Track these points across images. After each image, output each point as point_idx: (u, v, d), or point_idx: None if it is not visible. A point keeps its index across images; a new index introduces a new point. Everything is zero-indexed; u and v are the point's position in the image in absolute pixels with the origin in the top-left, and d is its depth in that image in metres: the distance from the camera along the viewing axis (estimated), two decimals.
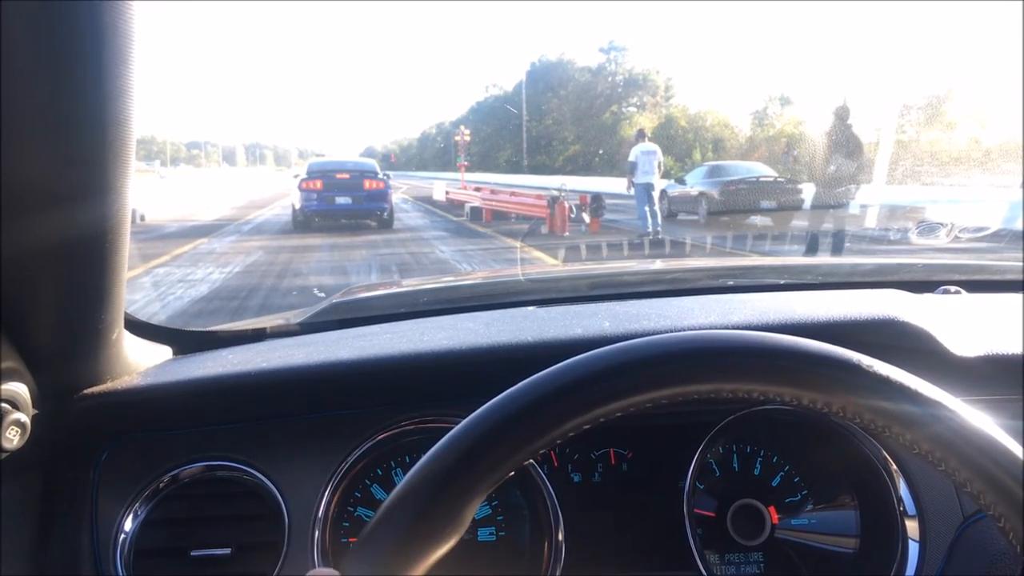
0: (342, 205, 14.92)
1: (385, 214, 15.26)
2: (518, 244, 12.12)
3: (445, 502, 0.51)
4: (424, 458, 0.53)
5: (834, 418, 0.99)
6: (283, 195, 22.88)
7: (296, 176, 15.89)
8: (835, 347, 0.54)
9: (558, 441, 0.52)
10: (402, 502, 0.51)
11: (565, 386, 0.53)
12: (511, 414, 0.53)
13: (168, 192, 29.28)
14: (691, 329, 0.58)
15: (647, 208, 12.59)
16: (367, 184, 15.13)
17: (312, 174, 15.14)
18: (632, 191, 12.93)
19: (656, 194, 12.87)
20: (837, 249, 7.39)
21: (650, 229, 12.44)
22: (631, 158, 12.94)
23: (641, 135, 13.55)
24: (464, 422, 0.53)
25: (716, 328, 1.00)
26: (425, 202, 25.12)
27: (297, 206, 15.03)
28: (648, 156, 12.83)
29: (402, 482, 0.52)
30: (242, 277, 8.87)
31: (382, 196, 15.26)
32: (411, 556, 0.50)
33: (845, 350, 0.54)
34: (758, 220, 14.62)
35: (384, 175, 15.92)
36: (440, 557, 0.51)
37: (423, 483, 0.51)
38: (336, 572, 0.49)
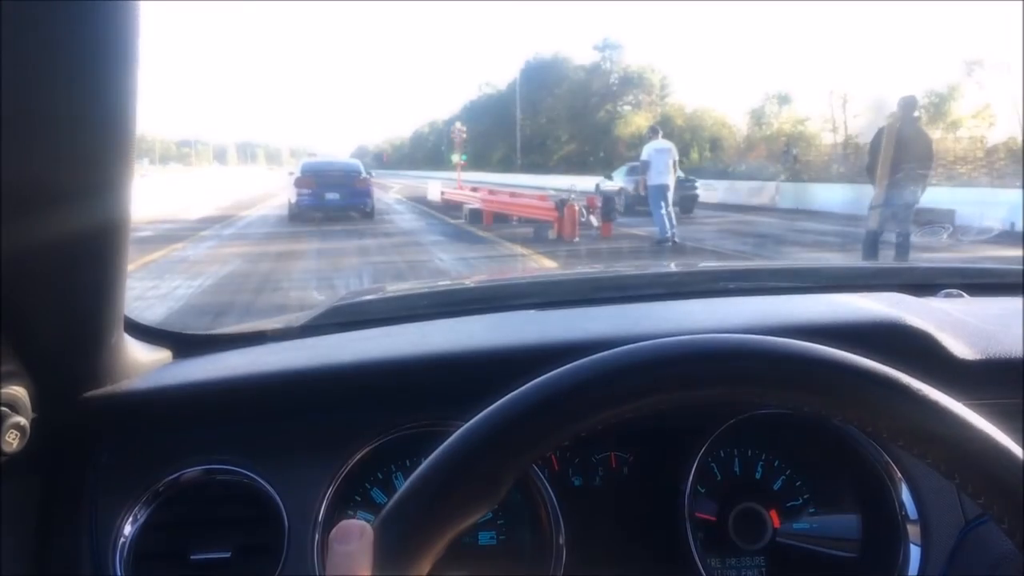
0: (331, 200, 16.96)
1: (368, 208, 17.63)
2: (524, 252, 11.76)
3: (488, 465, 0.51)
4: (475, 419, 0.53)
5: (836, 421, 0.99)
6: (272, 195, 22.64)
7: (291, 174, 18.40)
8: (836, 351, 0.54)
9: (603, 424, 0.53)
10: (445, 461, 0.52)
11: (636, 365, 0.54)
12: (573, 385, 0.53)
13: (150, 191, 28.69)
14: (693, 332, 0.58)
15: (663, 212, 12.12)
16: (353, 182, 17.51)
17: (305, 173, 17.31)
18: (644, 193, 12.42)
19: (671, 195, 12.38)
20: (902, 252, 7.30)
21: (669, 234, 12.06)
22: (644, 156, 12.37)
23: (654, 132, 12.92)
24: (519, 391, 0.54)
25: (716, 332, 1.00)
26: (420, 202, 24.90)
27: (292, 201, 17.13)
28: (662, 154, 12.23)
29: (447, 441, 0.52)
30: (213, 293, 8.02)
31: (366, 192, 17.62)
32: (445, 517, 0.50)
33: (846, 354, 0.54)
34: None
35: (368, 174, 18.36)
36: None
37: (470, 444, 0.52)
38: (367, 524, 0.49)
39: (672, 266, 1.89)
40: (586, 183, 22.48)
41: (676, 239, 12.13)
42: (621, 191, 17.78)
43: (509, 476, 0.52)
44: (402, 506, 0.51)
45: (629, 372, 0.54)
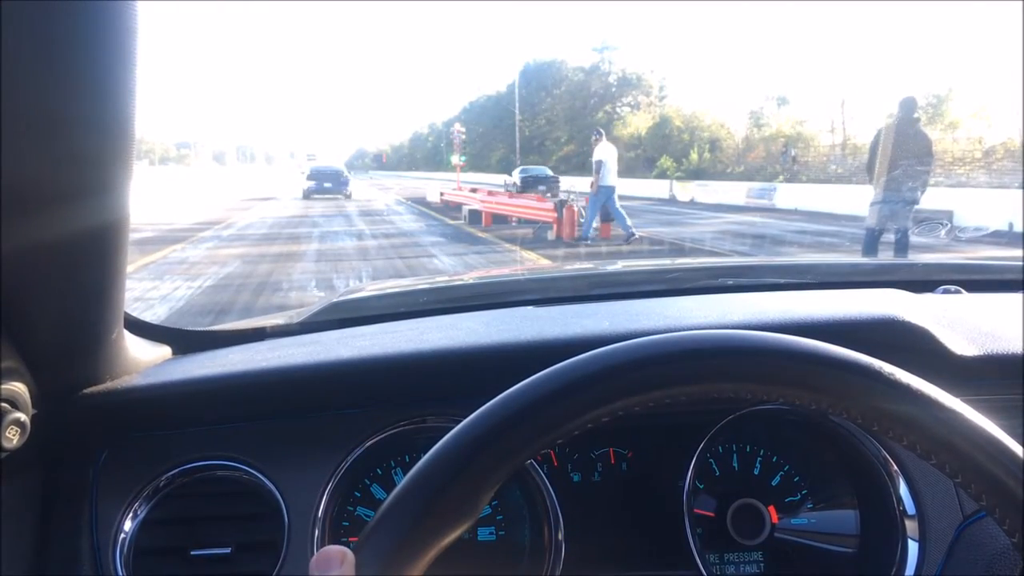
0: (327, 188, 28.99)
1: (347, 192, 29.20)
2: (523, 252, 11.69)
3: (466, 481, 0.51)
4: (447, 436, 0.53)
5: (833, 418, 0.99)
6: (271, 197, 23.92)
7: (302, 173, 31.80)
8: (837, 347, 0.54)
9: (576, 432, 0.53)
10: (422, 481, 0.51)
11: (606, 370, 0.54)
12: (542, 396, 0.53)
13: (146, 193, 28.95)
14: (691, 328, 0.58)
15: (599, 211, 12.36)
16: (339, 178, 29.50)
17: (312, 172, 30.28)
18: (594, 192, 12.46)
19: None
20: (901, 249, 7.31)
21: (589, 235, 12.29)
22: (599, 157, 12.38)
23: (600, 133, 12.99)
24: (490, 403, 0.54)
25: (715, 327, 1.00)
26: (419, 204, 24.99)
27: (304, 188, 29.07)
28: (613, 157, 12.44)
29: (422, 461, 0.52)
30: (212, 293, 8.02)
31: (346, 183, 29.43)
32: (425, 537, 0.50)
33: (847, 350, 0.54)
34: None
35: (348, 174, 31.01)
36: (441, 554, 0.51)
37: (445, 460, 0.52)
38: (347, 550, 0.49)
39: (670, 263, 1.89)
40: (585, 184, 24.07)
41: (590, 242, 12.30)
42: (514, 185, 25.70)
43: (487, 492, 0.52)
44: (381, 529, 0.50)
45: (599, 377, 0.54)
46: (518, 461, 0.53)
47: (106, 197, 0.68)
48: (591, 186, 12.67)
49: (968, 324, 1.07)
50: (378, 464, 1.03)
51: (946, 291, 1.32)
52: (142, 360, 1.02)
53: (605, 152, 12.40)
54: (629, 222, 12.37)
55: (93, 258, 0.74)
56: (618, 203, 12.44)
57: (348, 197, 28.80)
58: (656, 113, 51.14)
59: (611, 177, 12.31)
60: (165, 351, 1.11)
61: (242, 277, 9.25)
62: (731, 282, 1.48)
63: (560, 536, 0.97)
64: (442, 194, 22.66)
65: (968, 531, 0.96)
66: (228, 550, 0.93)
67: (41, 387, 0.81)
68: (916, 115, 8.08)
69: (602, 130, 13.28)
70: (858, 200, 11.39)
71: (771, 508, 1.02)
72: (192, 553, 0.93)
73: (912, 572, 0.95)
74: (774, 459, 1.07)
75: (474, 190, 20.16)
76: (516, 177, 27.88)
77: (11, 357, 0.75)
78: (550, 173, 29.51)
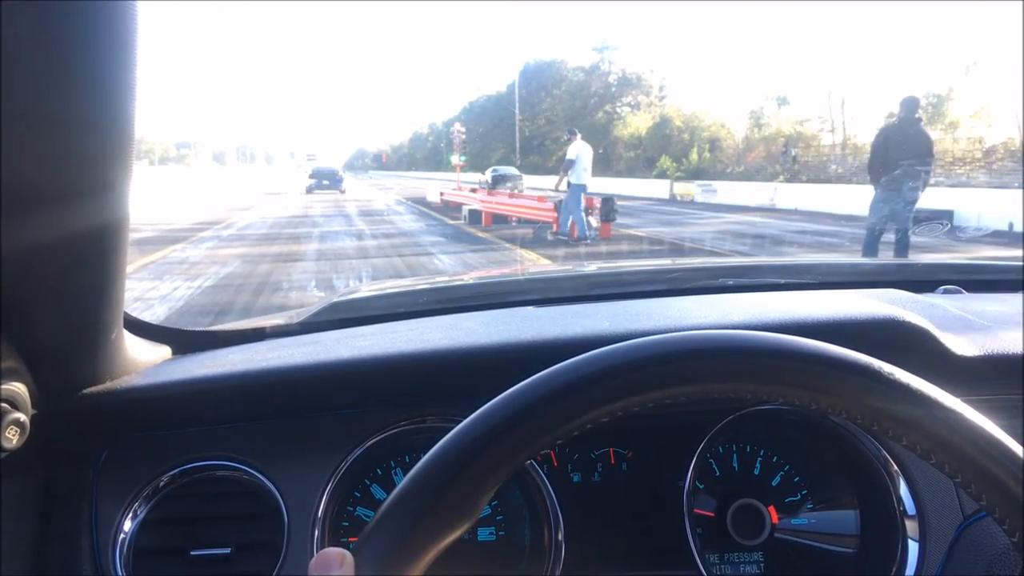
0: (325, 185, 35.46)
1: (342, 188, 35.53)
2: (524, 252, 11.67)
3: (466, 481, 0.51)
4: (447, 437, 0.53)
5: (834, 418, 0.99)
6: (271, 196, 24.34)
7: (305, 172, 38.52)
8: (837, 347, 0.54)
9: (576, 432, 0.53)
10: (422, 481, 0.51)
11: (606, 370, 0.54)
12: (542, 396, 0.53)
13: (146, 193, 29.13)
14: (691, 329, 0.58)
15: (582, 211, 12.35)
16: (335, 176, 36.25)
17: (313, 172, 36.88)
18: (559, 189, 12.47)
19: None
20: (902, 249, 7.32)
21: (588, 234, 12.31)
22: (571, 156, 12.44)
23: (573, 132, 13.05)
24: (489, 404, 0.54)
25: (715, 328, 1.00)
26: (419, 204, 25.00)
27: (306, 185, 35.44)
28: (586, 155, 12.47)
29: (422, 461, 0.52)
30: (212, 293, 8.01)
31: (341, 181, 36.11)
32: (425, 538, 0.50)
33: (847, 350, 0.54)
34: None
35: (343, 173, 38.14)
36: (441, 554, 0.51)
37: (445, 461, 0.52)
38: (346, 551, 0.49)
39: (670, 263, 1.89)
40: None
41: (590, 242, 12.32)
42: (486, 183, 27.91)
43: (486, 492, 0.52)
44: (381, 530, 0.50)
45: (599, 377, 0.54)
46: (518, 461, 0.53)
47: (106, 197, 0.68)
48: (556, 185, 12.75)
49: (968, 324, 1.07)
50: (378, 464, 1.03)
51: (946, 291, 1.32)
52: (142, 360, 1.02)
53: (579, 150, 12.44)
54: (588, 232, 12.46)
55: (93, 258, 0.74)
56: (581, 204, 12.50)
57: (343, 192, 35.75)
58: (656, 113, 51.11)
59: (584, 176, 12.34)
60: (165, 351, 1.11)
61: (242, 277, 9.24)
62: (731, 282, 1.48)
63: (560, 536, 0.97)
64: (442, 194, 22.68)
65: (968, 531, 0.96)
66: (228, 550, 0.93)
67: (41, 387, 0.81)
68: (918, 115, 8.08)
69: (576, 130, 13.30)
70: (858, 200, 11.40)
71: (771, 508, 1.02)
72: (192, 553, 0.93)
73: (912, 572, 0.95)
74: (774, 459, 1.07)
75: (474, 190, 20.16)
76: (488, 176, 31.95)
77: (11, 357, 0.75)
78: (516, 172, 34.59)
